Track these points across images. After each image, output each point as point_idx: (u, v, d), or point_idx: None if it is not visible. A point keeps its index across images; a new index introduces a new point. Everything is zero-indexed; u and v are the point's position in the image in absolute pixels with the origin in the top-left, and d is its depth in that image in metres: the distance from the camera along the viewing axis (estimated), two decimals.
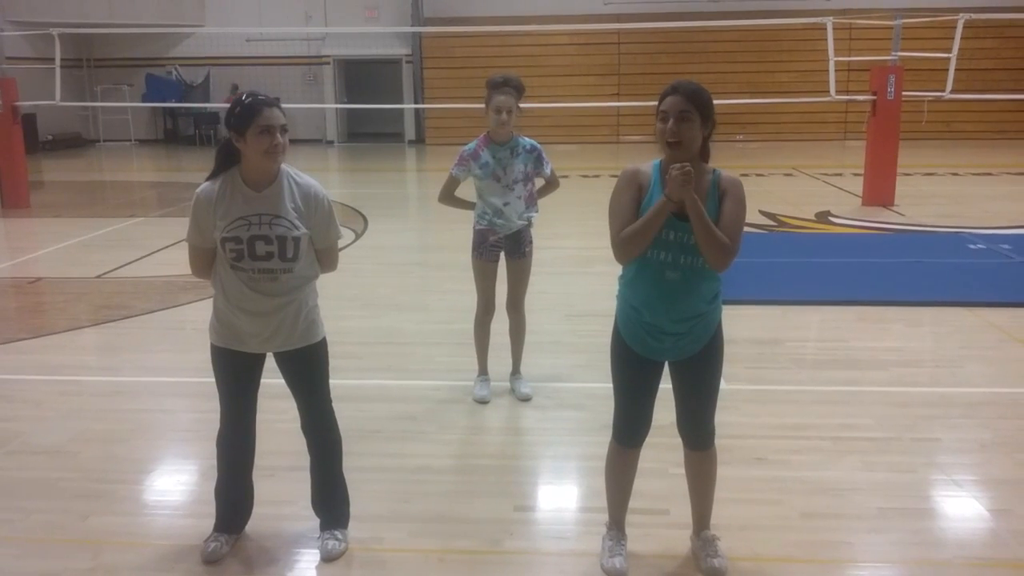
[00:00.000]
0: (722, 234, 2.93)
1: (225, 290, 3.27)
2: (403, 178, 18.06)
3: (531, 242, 5.04)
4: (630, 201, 3.04)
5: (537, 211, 5.01)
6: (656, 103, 3.02)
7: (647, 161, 3.13)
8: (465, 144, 4.93)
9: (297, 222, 3.23)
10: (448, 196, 5.02)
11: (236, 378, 3.40)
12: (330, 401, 3.51)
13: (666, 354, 3.17)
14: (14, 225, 11.74)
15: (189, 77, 23.26)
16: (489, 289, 5.06)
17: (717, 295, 3.14)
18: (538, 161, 4.89)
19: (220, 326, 3.33)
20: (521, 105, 4.80)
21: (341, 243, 3.57)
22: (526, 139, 4.89)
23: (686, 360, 3.18)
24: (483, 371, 5.20)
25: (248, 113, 3.13)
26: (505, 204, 4.84)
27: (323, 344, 3.43)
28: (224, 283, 3.27)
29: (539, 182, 5.07)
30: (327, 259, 3.41)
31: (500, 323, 5.17)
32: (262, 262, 3.21)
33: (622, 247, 3.03)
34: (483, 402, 5.04)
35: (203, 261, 3.31)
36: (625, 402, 3.27)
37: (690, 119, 2.95)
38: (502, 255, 5.01)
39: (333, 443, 3.54)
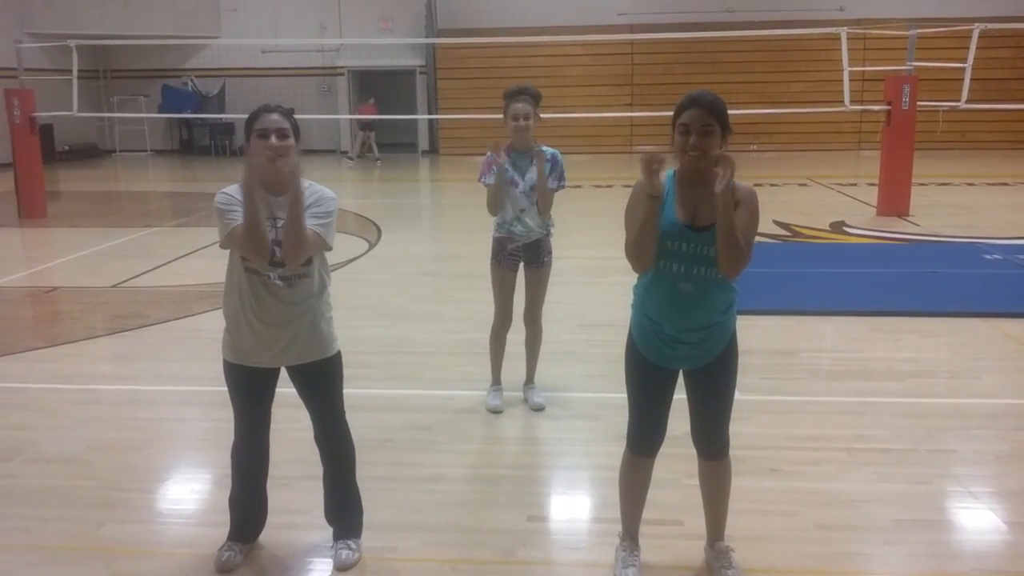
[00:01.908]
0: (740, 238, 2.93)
1: (241, 300, 3.26)
2: (417, 188, 18.10)
3: (550, 252, 5.03)
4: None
5: (552, 217, 4.99)
6: (671, 115, 3.02)
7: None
8: (484, 154, 4.92)
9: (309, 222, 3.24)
10: (495, 200, 4.84)
11: (249, 393, 3.40)
12: (344, 413, 3.51)
13: (681, 363, 3.17)
14: (31, 235, 11.83)
15: (205, 88, 23.42)
16: (507, 299, 5.05)
17: (732, 304, 3.14)
18: (554, 170, 4.85)
19: (233, 341, 3.32)
20: (541, 115, 4.80)
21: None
22: (546, 148, 4.88)
23: (701, 369, 3.17)
24: (496, 381, 5.20)
25: (249, 120, 3.21)
26: (522, 210, 4.84)
27: (338, 357, 3.43)
28: (240, 292, 3.26)
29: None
30: (311, 238, 3.20)
31: (515, 333, 5.17)
32: (279, 267, 3.21)
33: (631, 255, 3.05)
34: (496, 412, 5.03)
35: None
36: (639, 411, 3.27)
37: (712, 132, 2.95)
38: (521, 266, 5.01)
39: (346, 454, 3.54)
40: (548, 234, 4.98)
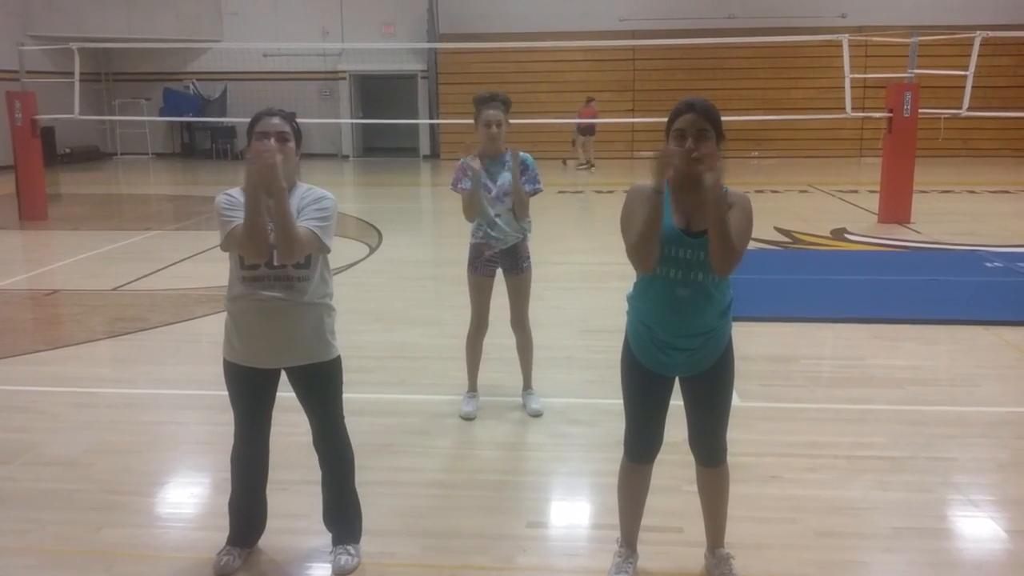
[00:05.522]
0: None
1: (242, 302, 3.25)
2: (418, 193, 18.12)
3: (529, 257, 5.02)
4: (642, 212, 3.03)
5: (529, 220, 4.94)
6: (666, 121, 3.03)
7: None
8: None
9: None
10: (471, 206, 4.83)
11: (250, 395, 3.40)
12: (343, 418, 3.51)
13: (677, 370, 3.16)
14: (32, 237, 11.84)
15: (206, 91, 23.48)
16: (483, 305, 5.05)
17: (727, 310, 3.13)
18: (526, 173, 4.82)
19: (235, 341, 3.32)
20: (512, 120, 4.83)
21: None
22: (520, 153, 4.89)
23: (697, 376, 3.17)
24: (472, 388, 5.18)
25: (250, 124, 3.25)
26: (496, 215, 4.83)
27: (337, 362, 3.43)
28: (238, 295, 3.25)
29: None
30: (306, 237, 3.15)
31: (508, 338, 5.17)
32: (278, 269, 3.20)
33: (636, 254, 3.00)
34: (469, 419, 5.01)
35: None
36: (636, 418, 3.27)
37: (708, 137, 2.96)
38: (499, 272, 5.00)
39: (345, 460, 3.54)
40: (525, 239, 4.96)
